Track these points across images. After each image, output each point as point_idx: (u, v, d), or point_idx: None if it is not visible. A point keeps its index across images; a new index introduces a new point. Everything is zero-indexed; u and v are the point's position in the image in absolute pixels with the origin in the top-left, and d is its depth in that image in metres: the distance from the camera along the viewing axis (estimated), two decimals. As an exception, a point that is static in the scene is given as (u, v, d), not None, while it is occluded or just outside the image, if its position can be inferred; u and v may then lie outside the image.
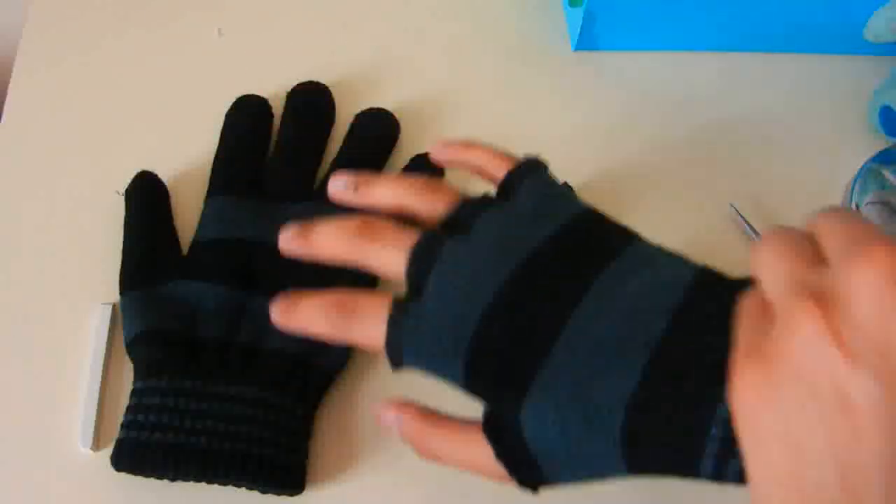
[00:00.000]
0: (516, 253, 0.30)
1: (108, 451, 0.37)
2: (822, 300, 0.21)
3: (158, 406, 0.37)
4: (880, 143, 0.50)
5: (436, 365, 0.30)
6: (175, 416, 0.37)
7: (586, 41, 0.52)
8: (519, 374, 0.29)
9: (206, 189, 0.44)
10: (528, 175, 0.34)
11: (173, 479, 0.36)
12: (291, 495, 0.37)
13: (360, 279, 0.38)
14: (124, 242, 0.42)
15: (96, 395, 0.39)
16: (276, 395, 0.38)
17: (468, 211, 0.32)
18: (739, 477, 0.26)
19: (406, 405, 0.32)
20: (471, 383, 0.30)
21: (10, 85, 0.48)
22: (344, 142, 0.47)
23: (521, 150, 0.51)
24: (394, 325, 0.30)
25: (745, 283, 0.28)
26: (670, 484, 0.39)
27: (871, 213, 0.46)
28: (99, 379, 0.39)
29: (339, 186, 0.35)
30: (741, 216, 0.46)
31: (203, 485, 0.37)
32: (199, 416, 0.37)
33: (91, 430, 0.38)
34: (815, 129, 0.51)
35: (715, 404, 0.26)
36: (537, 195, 0.33)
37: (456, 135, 0.47)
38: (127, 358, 0.39)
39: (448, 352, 0.30)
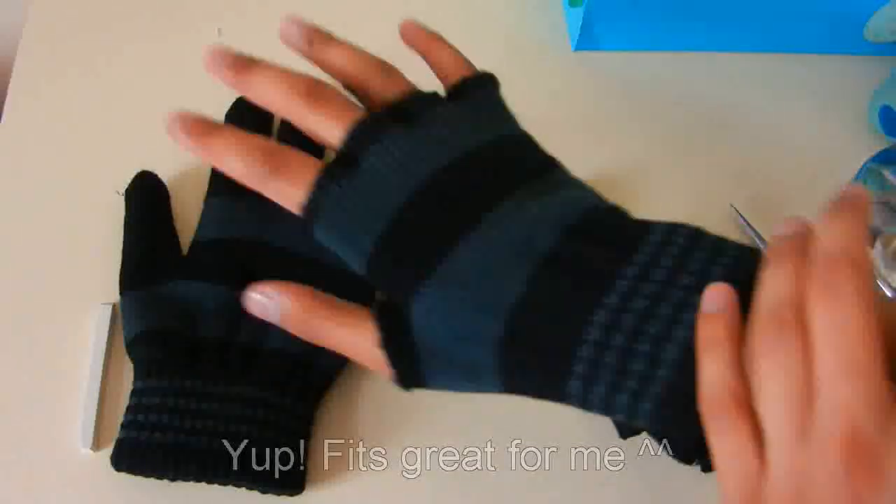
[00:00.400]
0: (453, 150, 0.31)
1: (108, 451, 0.37)
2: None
3: (158, 406, 0.37)
4: (880, 143, 0.50)
5: (348, 239, 0.30)
6: (175, 416, 0.37)
7: (586, 41, 0.52)
8: (423, 261, 0.29)
9: (206, 189, 0.44)
10: (482, 86, 0.34)
11: (173, 479, 0.36)
12: (291, 495, 0.37)
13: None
14: (124, 242, 0.42)
15: (96, 395, 0.39)
16: (276, 395, 0.38)
17: (419, 103, 0.32)
18: (604, 406, 0.28)
19: (287, 285, 0.32)
20: (374, 265, 0.30)
21: (10, 85, 0.48)
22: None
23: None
24: (319, 187, 0.30)
25: (639, 220, 0.30)
26: (669, 485, 0.39)
27: (871, 213, 0.46)
28: (99, 379, 0.39)
29: (293, 33, 0.35)
30: (741, 216, 0.46)
31: (203, 485, 0.37)
32: (199, 416, 0.37)
33: (91, 430, 0.38)
34: (815, 129, 0.51)
35: (585, 325, 0.27)
36: (485, 105, 0.34)
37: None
38: (127, 358, 0.39)
39: (363, 227, 0.30)
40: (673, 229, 0.30)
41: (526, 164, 0.32)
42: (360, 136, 0.30)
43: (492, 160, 0.31)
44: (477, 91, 0.34)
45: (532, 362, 0.28)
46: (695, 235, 0.29)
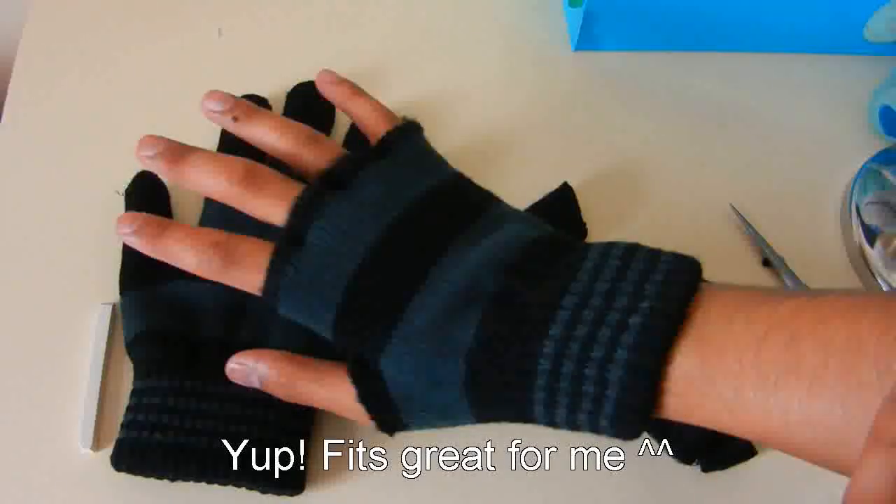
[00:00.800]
0: (391, 209, 0.32)
1: (108, 451, 0.37)
2: None
3: (158, 406, 0.37)
4: (880, 143, 0.50)
5: (310, 313, 0.32)
6: (175, 416, 0.37)
7: (586, 41, 0.52)
8: (382, 322, 0.31)
9: (206, 189, 0.44)
10: (406, 136, 0.36)
11: (173, 479, 0.36)
12: (291, 495, 0.37)
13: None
14: (124, 243, 0.42)
15: (96, 395, 0.39)
16: (276, 395, 0.38)
17: (350, 167, 0.33)
18: (570, 425, 0.30)
19: (265, 353, 0.35)
20: (340, 331, 0.32)
21: (10, 85, 0.48)
22: (344, 142, 0.47)
23: (521, 151, 0.51)
24: (275, 272, 0.32)
25: (575, 246, 0.31)
26: (669, 485, 0.39)
27: (871, 213, 0.46)
28: (99, 379, 0.39)
29: (215, 107, 0.36)
30: (741, 216, 0.46)
31: (203, 485, 0.37)
32: (199, 416, 0.37)
33: (91, 430, 0.38)
34: (815, 129, 0.51)
35: (537, 357, 0.29)
36: (414, 156, 0.35)
37: (454, 130, 0.47)
38: (127, 358, 0.39)
39: (324, 301, 0.31)
40: (607, 251, 0.31)
41: (463, 207, 0.34)
42: (302, 214, 0.32)
43: (430, 211, 0.33)
44: (403, 142, 0.35)
45: (497, 396, 0.30)
46: (627, 255, 0.30)
